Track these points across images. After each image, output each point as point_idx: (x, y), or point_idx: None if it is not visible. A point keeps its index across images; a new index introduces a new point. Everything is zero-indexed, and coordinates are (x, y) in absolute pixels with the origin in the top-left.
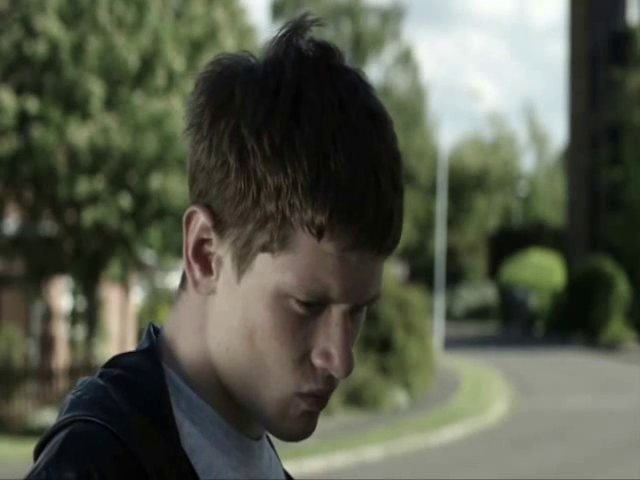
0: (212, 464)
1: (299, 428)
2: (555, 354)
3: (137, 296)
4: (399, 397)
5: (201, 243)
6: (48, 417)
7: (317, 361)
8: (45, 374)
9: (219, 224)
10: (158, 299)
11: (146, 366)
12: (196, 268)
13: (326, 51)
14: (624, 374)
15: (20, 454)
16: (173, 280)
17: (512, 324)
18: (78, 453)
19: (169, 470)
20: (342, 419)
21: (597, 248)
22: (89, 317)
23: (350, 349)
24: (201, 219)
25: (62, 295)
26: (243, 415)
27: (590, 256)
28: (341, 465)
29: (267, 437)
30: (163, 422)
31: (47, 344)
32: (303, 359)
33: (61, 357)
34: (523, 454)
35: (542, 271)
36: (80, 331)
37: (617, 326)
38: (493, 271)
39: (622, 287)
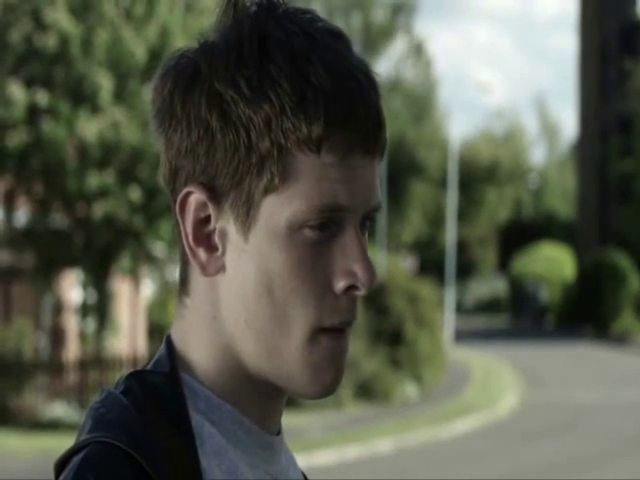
0: (237, 464)
1: (327, 375)
2: (565, 347)
3: (147, 289)
4: (410, 390)
5: (200, 224)
6: (58, 410)
7: (341, 284)
8: (55, 367)
9: (214, 193)
10: (168, 292)
11: (166, 386)
12: (200, 252)
13: (272, 1)
14: (635, 367)
15: (30, 447)
16: None
17: (522, 317)
18: (97, 476)
19: None
20: (353, 412)
21: (608, 240)
22: (99, 310)
23: (369, 259)
24: (194, 197)
25: (72, 288)
26: (264, 408)
27: (601, 248)
28: (352, 458)
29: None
30: (185, 445)
31: (57, 337)
32: (325, 292)
33: (71, 350)
34: (534, 446)
35: (553, 264)
36: (90, 324)
37: (627, 319)
38: (503, 264)
39: (633, 280)
